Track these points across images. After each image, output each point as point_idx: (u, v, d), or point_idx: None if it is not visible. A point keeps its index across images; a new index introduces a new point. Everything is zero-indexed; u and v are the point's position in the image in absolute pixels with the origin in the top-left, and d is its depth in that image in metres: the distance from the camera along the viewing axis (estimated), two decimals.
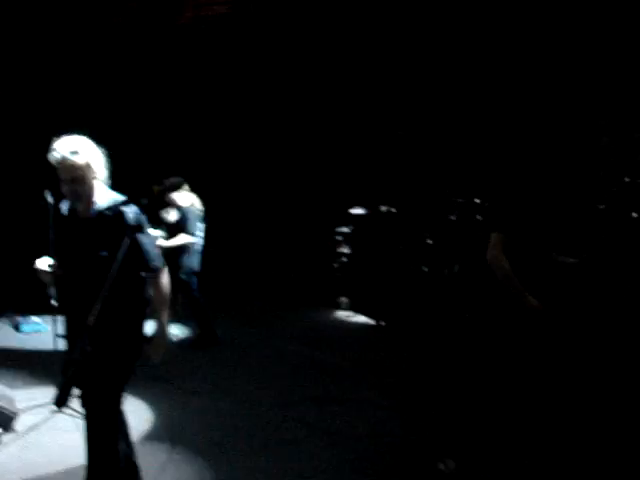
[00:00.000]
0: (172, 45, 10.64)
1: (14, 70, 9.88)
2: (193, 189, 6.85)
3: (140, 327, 2.89)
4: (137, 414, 4.54)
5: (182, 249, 6.85)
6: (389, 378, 5.99)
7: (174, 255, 6.68)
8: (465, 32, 8.97)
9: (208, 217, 7.14)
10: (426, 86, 9.90)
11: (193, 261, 6.98)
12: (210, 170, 11.58)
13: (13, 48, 9.78)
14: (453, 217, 8.40)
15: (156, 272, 2.85)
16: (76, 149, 2.71)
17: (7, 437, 4.07)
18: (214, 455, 4.00)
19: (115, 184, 2.95)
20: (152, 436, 4.31)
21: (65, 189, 2.76)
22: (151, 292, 2.88)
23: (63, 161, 2.68)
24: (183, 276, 6.79)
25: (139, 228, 2.72)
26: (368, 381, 5.89)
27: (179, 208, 6.78)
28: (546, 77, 8.09)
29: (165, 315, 2.88)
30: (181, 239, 6.78)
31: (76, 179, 2.71)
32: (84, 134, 2.82)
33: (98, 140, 2.84)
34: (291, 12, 9.89)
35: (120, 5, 10.17)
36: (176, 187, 6.49)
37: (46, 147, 2.74)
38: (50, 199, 3.62)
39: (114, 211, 2.77)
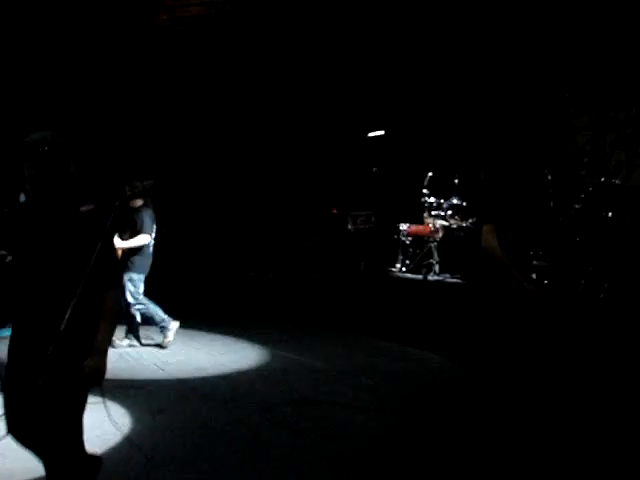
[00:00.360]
0: (149, 47, 10.58)
1: None
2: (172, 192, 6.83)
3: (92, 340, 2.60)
4: (110, 421, 4.48)
5: (137, 250, 6.81)
6: (369, 379, 5.99)
7: (127, 256, 6.75)
8: (450, 37, 9.07)
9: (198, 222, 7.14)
10: (408, 87, 9.96)
11: (146, 263, 6.95)
12: (186, 172, 11.52)
13: None
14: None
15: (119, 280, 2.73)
16: (47, 142, 2.55)
17: None
18: (192, 460, 3.95)
19: (87, 185, 2.84)
20: (128, 443, 4.24)
21: (32, 184, 2.59)
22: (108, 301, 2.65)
23: (33, 153, 2.52)
24: (126, 277, 6.67)
25: (111, 232, 2.63)
26: (346, 383, 5.88)
27: (138, 208, 6.75)
28: (526, 78, 8.18)
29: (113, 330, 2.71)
30: (139, 240, 6.75)
31: (45, 173, 2.54)
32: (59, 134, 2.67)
33: (70, 139, 2.70)
34: (268, 12, 9.87)
35: (96, 7, 10.08)
36: (149, 190, 6.39)
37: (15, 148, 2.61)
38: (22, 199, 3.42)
39: (88, 212, 2.64)
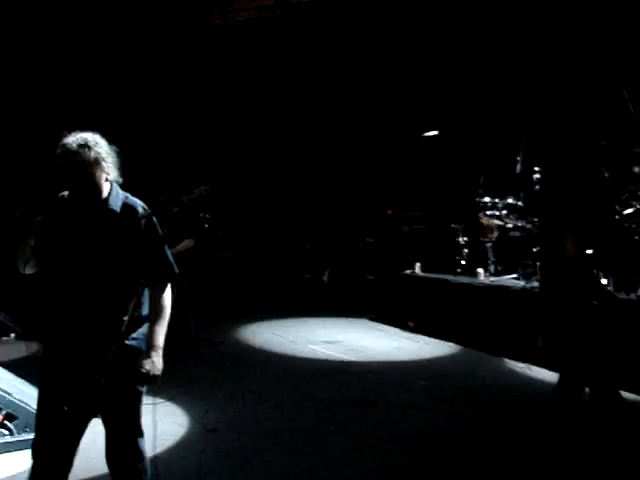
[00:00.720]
0: (201, 51, 10.73)
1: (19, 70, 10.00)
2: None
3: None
4: (170, 419, 4.56)
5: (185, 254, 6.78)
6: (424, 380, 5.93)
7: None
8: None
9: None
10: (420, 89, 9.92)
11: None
12: (241, 175, 11.66)
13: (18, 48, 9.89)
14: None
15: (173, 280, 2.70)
16: (87, 143, 2.49)
17: None
18: (250, 460, 3.98)
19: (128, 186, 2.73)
20: (187, 442, 4.31)
21: (71, 187, 2.56)
22: (160, 301, 2.63)
23: (70, 155, 2.46)
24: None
25: (167, 238, 2.59)
26: (401, 383, 5.83)
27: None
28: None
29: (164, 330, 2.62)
30: (185, 244, 6.83)
31: (84, 175, 2.49)
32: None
33: (113, 141, 2.64)
34: (318, 14, 9.90)
35: (149, 11, 10.29)
36: (204, 196, 6.44)
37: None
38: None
39: (134, 214, 2.61)
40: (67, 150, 2.47)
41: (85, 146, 2.48)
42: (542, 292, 4.94)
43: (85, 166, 2.48)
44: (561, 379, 3.92)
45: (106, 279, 2.54)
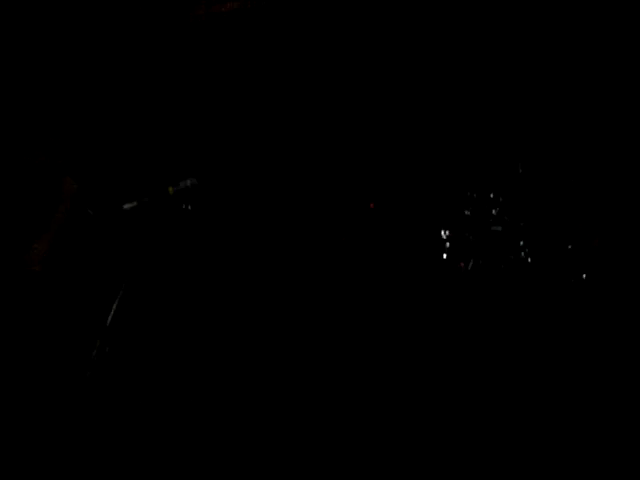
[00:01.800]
0: (184, 43, 10.64)
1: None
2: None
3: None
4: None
5: None
6: None
7: None
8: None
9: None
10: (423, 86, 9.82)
11: None
12: (219, 171, 11.61)
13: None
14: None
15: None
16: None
17: None
18: None
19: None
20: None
21: None
22: None
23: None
24: None
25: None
26: None
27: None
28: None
29: None
30: None
31: None
32: (86, 134, 2.58)
33: (99, 139, 2.61)
34: (303, 7, 9.84)
35: (128, 2, 10.15)
36: (192, 189, 6.49)
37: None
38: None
39: (130, 210, 2.69)
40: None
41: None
42: None
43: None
44: None
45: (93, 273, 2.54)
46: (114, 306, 2.45)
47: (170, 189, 2.54)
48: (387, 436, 4.12)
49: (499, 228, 7.38)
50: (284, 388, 4.83)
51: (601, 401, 4.04)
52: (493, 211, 7.27)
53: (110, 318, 2.43)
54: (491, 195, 7.25)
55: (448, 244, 8.03)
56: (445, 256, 7.92)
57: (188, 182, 2.61)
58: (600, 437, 3.89)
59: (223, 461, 3.96)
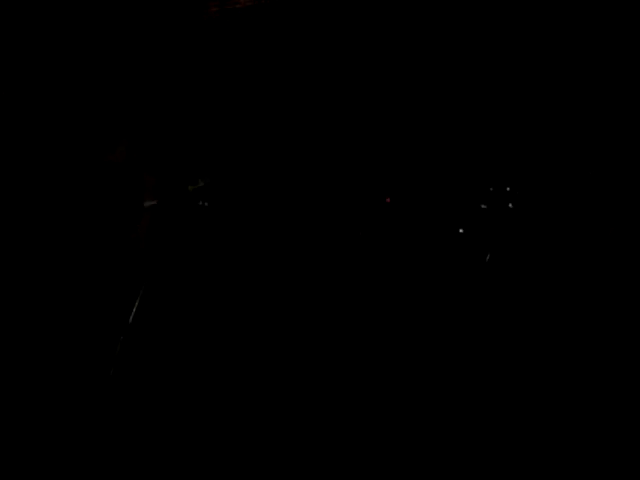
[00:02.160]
0: (198, 40, 10.66)
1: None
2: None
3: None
4: None
5: None
6: None
7: None
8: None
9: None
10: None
11: None
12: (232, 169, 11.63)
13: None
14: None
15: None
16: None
17: None
18: None
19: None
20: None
21: None
22: None
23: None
24: None
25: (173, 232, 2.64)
26: None
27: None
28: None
29: None
30: None
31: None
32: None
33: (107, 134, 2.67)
34: (318, 3, 9.82)
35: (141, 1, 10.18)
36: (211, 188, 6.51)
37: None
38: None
39: (150, 208, 2.72)
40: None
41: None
42: None
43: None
44: None
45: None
46: (136, 303, 2.49)
47: (190, 187, 2.59)
48: (387, 436, 4.15)
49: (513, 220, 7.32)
50: (300, 383, 4.87)
51: (601, 400, 4.03)
52: (510, 205, 7.26)
53: (132, 316, 2.47)
54: (507, 189, 7.24)
55: (463, 238, 8.02)
56: (460, 251, 7.92)
57: (203, 182, 2.66)
58: (598, 434, 3.88)
59: (232, 456, 4.01)
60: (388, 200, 10.52)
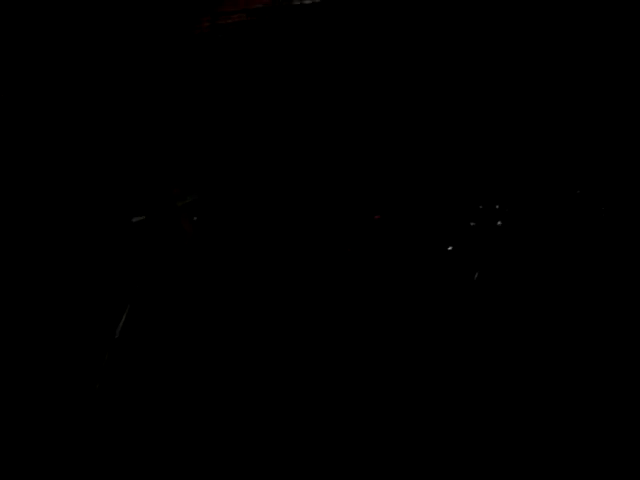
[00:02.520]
0: (189, 55, 10.68)
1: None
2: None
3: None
4: None
5: None
6: None
7: None
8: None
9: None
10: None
11: None
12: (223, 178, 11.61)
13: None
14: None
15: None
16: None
17: None
18: None
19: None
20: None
21: None
22: None
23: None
24: None
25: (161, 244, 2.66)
26: None
27: None
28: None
29: None
30: None
31: None
32: (91, 145, 2.67)
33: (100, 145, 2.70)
34: (308, 19, 9.89)
35: (134, 14, 10.21)
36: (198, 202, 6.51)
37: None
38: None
39: (139, 222, 2.73)
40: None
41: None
42: None
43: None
44: None
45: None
46: (123, 317, 2.48)
47: (179, 203, 2.60)
48: (387, 435, 4.14)
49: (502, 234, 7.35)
50: (293, 388, 4.85)
51: (600, 401, 4.05)
52: (498, 222, 7.30)
53: (119, 330, 2.46)
54: (496, 206, 7.28)
55: (452, 255, 8.03)
56: (449, 267, 7.94)
57: (192, 197, 2.67)
58: (596, 432, 3.90)
59: (230, 462, 3.98)
60: (377, 217, 10.52)
